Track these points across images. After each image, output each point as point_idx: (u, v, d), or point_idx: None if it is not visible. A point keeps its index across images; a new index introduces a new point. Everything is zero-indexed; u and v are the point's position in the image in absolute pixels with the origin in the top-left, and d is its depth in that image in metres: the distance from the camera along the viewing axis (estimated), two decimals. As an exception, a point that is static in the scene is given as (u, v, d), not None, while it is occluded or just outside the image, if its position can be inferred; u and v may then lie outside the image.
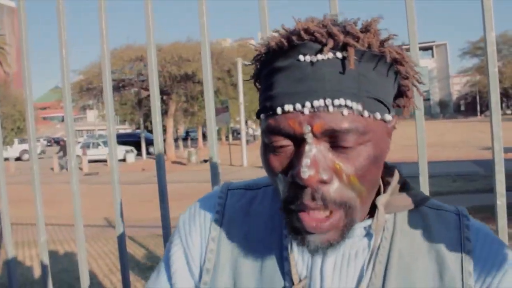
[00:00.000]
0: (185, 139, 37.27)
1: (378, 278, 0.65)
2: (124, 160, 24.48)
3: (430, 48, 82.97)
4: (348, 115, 0.56)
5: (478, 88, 62.28)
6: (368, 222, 0.67)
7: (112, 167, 1.44)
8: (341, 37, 0.56)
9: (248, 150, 20.47)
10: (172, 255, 0.76)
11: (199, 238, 0.75)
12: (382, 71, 0.59)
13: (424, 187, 1.17)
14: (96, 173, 19.48)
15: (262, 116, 0.62)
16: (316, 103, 0.55)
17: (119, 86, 26.48)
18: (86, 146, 26.12)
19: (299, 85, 0.57)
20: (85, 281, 1.52)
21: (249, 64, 0.69)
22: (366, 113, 0.57)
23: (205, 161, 21.80)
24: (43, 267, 1.60)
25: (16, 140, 30.38)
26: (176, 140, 30.80)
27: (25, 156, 30.17)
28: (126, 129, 45.17)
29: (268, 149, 0.61)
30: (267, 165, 0.62)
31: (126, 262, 1.51)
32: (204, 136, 36.72)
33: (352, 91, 0.56)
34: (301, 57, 0.57)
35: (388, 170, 0.72)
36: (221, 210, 0.77)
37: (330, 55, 0.56)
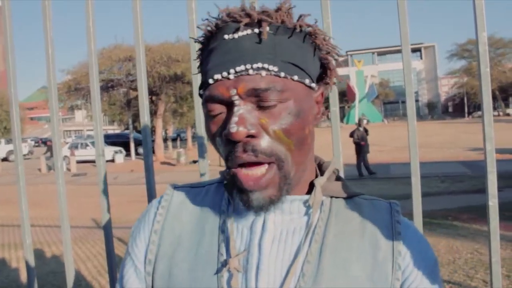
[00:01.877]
0: (174, 139, 37.08)
1: (313, 255, 0.71)
2: (113, 160, 24.30)
3: (419, 49, 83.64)
4: (266, 76, 0.65)
5: (466, 89, 62.89)
6: (306, 197, 0.74)
7: (99, 167, 1.41)
8: (255, 14, 0.67)
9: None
10: (125, 273, 0.82)
11: (142, 236, 0.81)
12: (297, 42, 0.70)
13: (416, 188, 1.16)
14: (84, 174, 19.31)
15: (201, 91, 0.73)
16: (238, 68, 0.65)
17: (107, 86, 26.27)
18: (74, 147, 25.89)
19: (225, 57, 0.67)
20: (70, 282, 1.49)
21: (196, 58, 0.79)
22: (282, 74, 0.66)
23: (194, 161, 21.73)
24: (29, 269, 1.57)
25: (3, 141, 30.05)
26: (165, 140, 30.66)
27: (12, 157, 29.76)
28: (115, 129, 44.86)
29: (208, 118, 0.71)
30: (209, 132, 0.71)
31: (113, 263, 1.48)
32: (194, 136, 36.59)
33: (268, 57, 0.66)
34: (225, 36, 0.68)
35: (323, 162, 0.82)
36: (166, 205, 0.83)
37: (249, 31, 0.67)
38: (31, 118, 79.68)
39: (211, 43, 0.71)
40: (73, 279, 1.48)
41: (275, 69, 0.66)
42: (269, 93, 0.65)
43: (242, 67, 0.65)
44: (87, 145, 26.78)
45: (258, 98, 0.66)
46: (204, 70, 0.71)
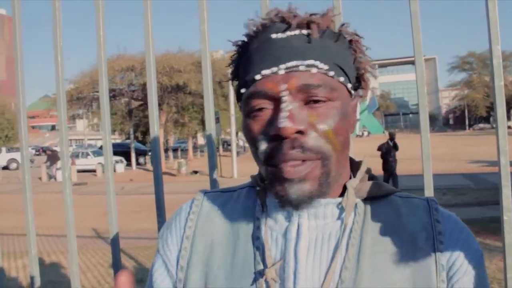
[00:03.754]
0: (175, 150, 37.08)
1: (351, 260, 0.69)
2: (113, 170, 24.23)
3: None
4: (317, 73, 0.66)
5: (467, 102, 63.04)
6: (339, 200, 0.72)
7: (107, 177, 1.40)
8: (305, 16, 0.69)
9: (238, 162, 20.42)
10: (154, 272, 0.80)
11: (175, 240, 0.80)
12: (342, 47, 0.71)
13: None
14: (85, 183, 19.29)
15: (242, 90, 0.71)
16: (289, 64, 0.65)
17: (109, 96, 26.33)
18: (75, 156, 25.88)
19: (273, 54, 0.67)
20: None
21: (229, 65, 0.78)
22: (331, 73, 0.67)
23: (195, 172, 21.71)
24: (33, 280, 1.55)
25: (3, 149, 30.06)
26: (166, 151, 30.68)
27: (13, 165, 29.80)
28: (116, 139, 44.94)
29: (249, 118, 0.69)
30: (249, 131, 0.69)
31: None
32: (195, 147, 36.56)
33: (318, 55, 0.67)
34: (273, 35, 0.68)
35: (356, 162, 0.80)
36: (197, 210, 0.81)
37: (297, 31, 0.68)
38: (33, 127, 79.84)
39: (253, 44, 0.70)
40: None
41: (326, 67, 0.66)
42: (320, 90, 0.65)
43: (293, 63, 0.65)
44: (88, 154, 26.78)
45: (307, 94, 0.65)
46: (247, 70, 0.70)
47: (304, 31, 0.67)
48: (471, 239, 0.72)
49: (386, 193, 0.75)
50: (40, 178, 21.88)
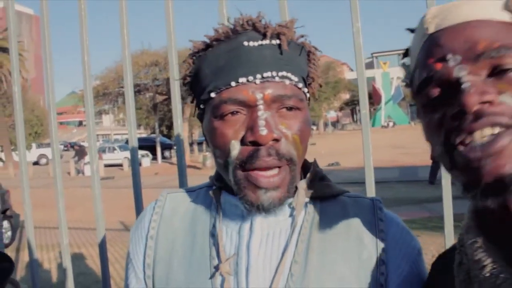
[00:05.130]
0: (200, 143, 37.34)
1: (300, 255, 0.74)
2: (139, 164, 24.51)
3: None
4: (289, 84, 0.72)
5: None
6: (290, 200, 0.77)
7: (134, 171, 1.44)
8: (276, 27, 0.73)
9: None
10: (128, 278, 0.86)
11: (140, 240, 0.85)
12: (304, 59, 0.78)
13: (447, 191, 1.14)
14: (112, 177, 19.62)
15: (212, 94, 0.73)
16: (265, 74, 0.70)
17: (134, 91, 26.54)
18: (102, 151, 26.31)
19: (248, 63, 0.71)
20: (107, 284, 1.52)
21: (184, 60, 0.81)
22: (300, 85, 0.74)
23: (220, 165, 21.76)
24: (65, 270, 1.61)
25: (34, 145, 30.80)
26: (191, 144, 30.90)
27: (42, 161, 30.56)
28: (141, 133, 45.49)
29: (219, 120, 0.72)
30: (219, 134, 0.72)
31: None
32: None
33: (289, 68, 0.72)
34: (245, 43, 0.72)
35: (308, 163, 0.85)
36: (160, 211, 0.87)
37: (268, 41, 0.72)
38: (60, 123, 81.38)
39: (224, 47, 0.73)
40: (109, 281, 1.52)
41: (296, 79, 0.73)
42: (292, 100, 0.71)
43: (268, 73, 0.70)
44: (114, 149, 27.19)
45: (280, 104, 0.71)
46: (219, 73, 0.73)
47: (274, 42, 0.72)
48: (409, 238, 0.79)
49: (335, 193, 0.82)
50: (68, 173, 22.35)
